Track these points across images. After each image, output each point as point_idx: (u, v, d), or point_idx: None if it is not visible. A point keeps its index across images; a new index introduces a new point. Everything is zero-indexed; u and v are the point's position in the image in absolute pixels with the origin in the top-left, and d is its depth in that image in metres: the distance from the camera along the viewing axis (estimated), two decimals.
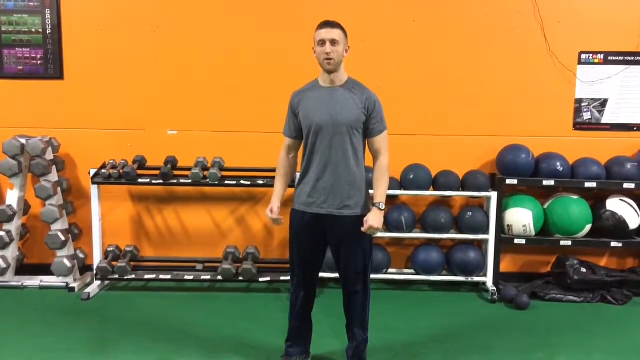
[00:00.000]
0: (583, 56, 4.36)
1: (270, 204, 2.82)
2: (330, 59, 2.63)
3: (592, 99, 4.39)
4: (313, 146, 2.70)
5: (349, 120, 2.65)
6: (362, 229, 2.63)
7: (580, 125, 4.42)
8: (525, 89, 4.39)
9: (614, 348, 3.32)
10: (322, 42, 2.62)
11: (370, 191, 2.76)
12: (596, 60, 4.38)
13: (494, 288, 4.11)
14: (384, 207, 2.64)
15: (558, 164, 4.18)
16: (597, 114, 4.41)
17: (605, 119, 4.41)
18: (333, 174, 2.67)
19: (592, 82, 4.37)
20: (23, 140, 4.10)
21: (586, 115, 4.41)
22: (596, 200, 4.30)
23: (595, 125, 4.42)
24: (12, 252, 4.20)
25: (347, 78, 2.76)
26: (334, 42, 2.62)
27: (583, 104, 4.39)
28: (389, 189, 4.14)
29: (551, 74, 4.36)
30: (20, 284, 4.18)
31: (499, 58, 4.37)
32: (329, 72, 2.68)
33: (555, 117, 4.41)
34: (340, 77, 2.73)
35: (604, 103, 4.40)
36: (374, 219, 2.61)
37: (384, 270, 4.24)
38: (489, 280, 4.21)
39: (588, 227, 4.17)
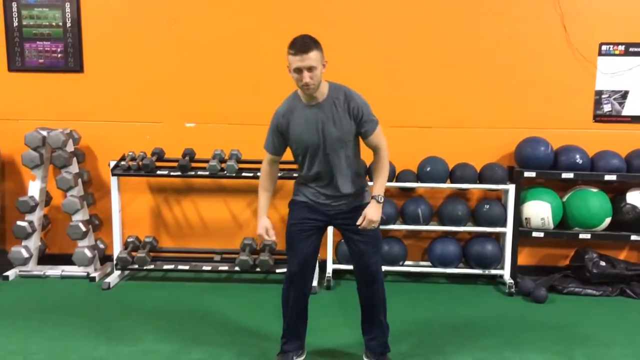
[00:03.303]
0: (603, 47, 4.30)
1: (259, 222, 2.76)
2: (309, 86, 2.53)
3: (613, 91, 4.33)
4: (310, 164, 2.70)
5: (340, 137, 2.63)
6: (359, 223, 2.60)
7: (600, 118, 4.37)
8: (544, 80, 4.34)
9: (633, 342, 3.29)
10: (299, 70, 2.49)
11: (370, 183, 2.78)
12: (617, 52, 4.32)
13: (512, 281, 4.09)
14: (382, 200, 2.63)
15: (577, 156, 4.13)
16: (617, 106, 4.35)
17: (626, 111, 4.35)
18: (333, 189, 2.70)
19: (612, 73, 4.31)
20: (44, 133, 4.16)
21: (606, 107, 4.35)
22: (616, 193, 4.25)
23: (615, 118, 4.36)
24: (34, 242, 4.28)
25: (327, 88, 2.64)
26: (310, 69, 2.48)
27: (603, 96, 4.34)
28: (405, 181, 4.19)
29: (571, 65, 4.31)
30: (42, 273, 4.27)
31: (518, 50, 4.33)
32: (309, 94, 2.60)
33: (574, 109, 4.37)
34: (322, 91, 2.62)
35: (624, 95, 4.34)
36: (372, 212, 2.60)
37: (401, 263, 4.25)
38: (506, 273, 4.19)
39: (607, 220, 4.13)
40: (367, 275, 2.77)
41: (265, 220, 2.76)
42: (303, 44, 2.48)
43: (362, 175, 2.81)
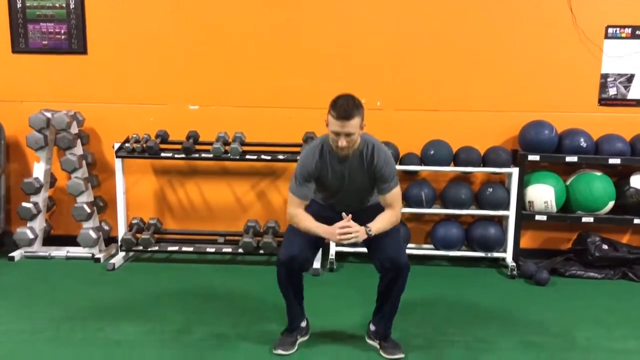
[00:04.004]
0: (610, 30, 4.27)
1: (329, 230, 2.63)
2: (344, 150, 2.56)
3: (619, 74, 4.31)
4: (328, 197, 2.82)
5: (361, 188, 2.75)
6: (341, 227, 2.58)
7: (605, 101, 4.34)
8: (549, 63, 4.32)
9: (633, 323, 3.31)
10: (337, 134, 2.50)
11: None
12: (623, 35, 4.28)
13: (514, 264, 4.10)
14: (371, 234, 2.62)
15: (582, 140, 4.12)
16: (623, 90, 4.32)
17: (632, 95, 4.33)
18: (345, 209, 2.71)
19: (618, 56, 4.27)
20: (48, 114, 4.17)
21: (612, 91, 4.33)
22: (620, 177, 4.25)
23: (620, 101, 4.34)
24: (39, 224, 4.31)
25: (359, 142, 2.63)
26: (348, 135, 2.49)
27: (609, 79, 4.31)
28: (408, 164, 4.20)
29: (577, 48, 4.28)
30: (47, 254, 4.30)
31: (523, 32, 4.30)
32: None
33: (580, 92, 4.34)
34: (354, 146, 2.63)
35: (630, 78, 4.31)
36: (358, 230, 2.58)
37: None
38: (508, 256, 4.20)
39: (611, 204, 4.13)
40: (394, 268, 2.68)
41: (329, 227, 2.64)
42: (346, 111, 2.46)
43: (375, 198, 2.83)
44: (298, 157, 4.07)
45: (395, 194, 2.70)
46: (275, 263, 2.77)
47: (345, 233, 2.58)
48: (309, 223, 2.69)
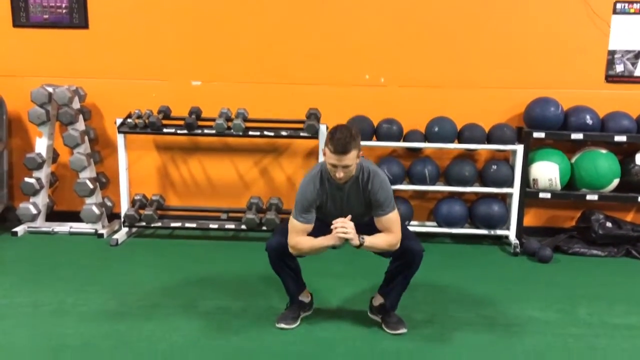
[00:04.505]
0: (618, 6, 4.20)
1: (330, 238, 2.63)
2: (341, 180, 2.60)
3: (626, 51, 4.25)
4: (326, 217, 2.74)
5: (358, 212, 2.73)
6: (339, 223, 2.60)
7: (612, 78, 4.29)
8: (556, 39, 4.26)
9: (636, 299, 3.32)
10: (334, 166, 2.55)
11: None
12: (632, 10, 4.21)
13: (517, 241, 4.10)
14: (363, 242, 2.60)
15: (588, 117, 4.09)
16: (630, 66, 4.27)
17: (639, 72, 4.27)
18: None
19: (626, 32, 4.21)
20: (50, 89, 4.14)
21: (619, 68, 4.28)
22: (625, 154, 4.22)
23: (627, 78, 4.28)
24: (42, 199, 4.31)
25: (356, 167, 2.62)
26: (346, 167, 2.54)
27: (616, 56, 4.26)
28: (412, 141, 4.17)
29: (584, 24, 4.22)
30: (50, 229, 4.31)
31: (529, 7, 4.23)
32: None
33: (586, 69, 4.29)
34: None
35: (637, 55, 4.25)
36: (351, 232, 2.58)
37: (407, 223, 4.25)
38: (511, 233, 4.20)
39: (616, 181, 4.11)
40: (407, 256, 2.71)
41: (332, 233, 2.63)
42: (343, 145, 2.49)
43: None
44: (301, 134, 4.06)
45: (392, 218, 2.67)
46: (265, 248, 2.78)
47: (340, 231, 2.59)
48: (311, 242, 2.68)
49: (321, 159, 3.93)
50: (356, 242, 2.60)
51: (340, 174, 2.56)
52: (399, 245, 2.66)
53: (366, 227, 2.72)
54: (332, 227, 2.62)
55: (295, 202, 2.71)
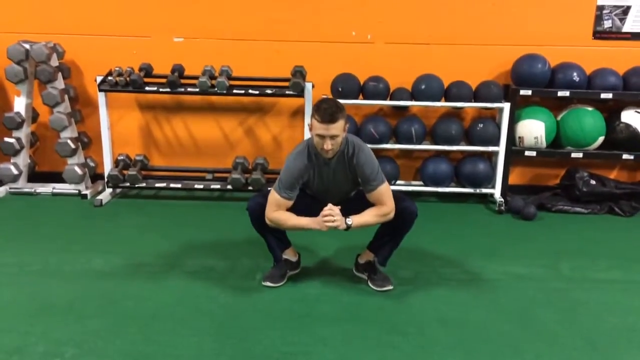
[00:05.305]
0: None
1: (315, 221, 2.63)
2: (329, 152, 2.56)
3: (614, 6, 4.20)
4: (312, 191, 2.77)
5: (344, 188, 2.76)
6: (323, 215, 2.59)
7: (600, 34, 4.25)
8: None
9: (618, 254, 3.38)
10: (321, 137, 2.51)
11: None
12: None
13: (502, 199, 4.12)
14: (350, 224, 2.60)
15: (575, 74, 4.06)
16: (618, 22, 4.23)
17: (627, 28, 4.24)
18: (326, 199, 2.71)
19: None
20: (27, 46, 4.02)
21: (607, 24, 4.23)
22: (611, 112, 4.22)
23: (615, 34, 4.25)
24: (23, 159, 4.23)
25: (342, 141, 2.61)
26: (333, 137, 2.51)
27: (604, 11, 4.21)
28: (399, 99, 4.12)
29: None
30: (33, 190, 4.25)
31: None
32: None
33: (574, 25, 4.25)
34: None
35: (626, 10, 4.21)
36: (338, 217, 2.58)
37: (393, 182, 4.26)
38: (496, 192, 4.22)
39: (601, 139, 4.12)
40: (404, 215, 2.70)
41: (319, 217, 2.63)
42: (330, 115, 2.47)
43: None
44: (286, 92, 4.00)
45: (382, 190, 2.65)
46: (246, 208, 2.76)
47: (328, 221, 2.59)
48: (295, 220, 2.67)
49: (307, 120, 3.89)
50: (343, 227, 2.61)
51: (327, 145, 2.52)
52: (393, 214, 2.66)
53: (354, 202, 2.72)
54: (320, 215, 2.61)
55: (279, 177, 2.68)
